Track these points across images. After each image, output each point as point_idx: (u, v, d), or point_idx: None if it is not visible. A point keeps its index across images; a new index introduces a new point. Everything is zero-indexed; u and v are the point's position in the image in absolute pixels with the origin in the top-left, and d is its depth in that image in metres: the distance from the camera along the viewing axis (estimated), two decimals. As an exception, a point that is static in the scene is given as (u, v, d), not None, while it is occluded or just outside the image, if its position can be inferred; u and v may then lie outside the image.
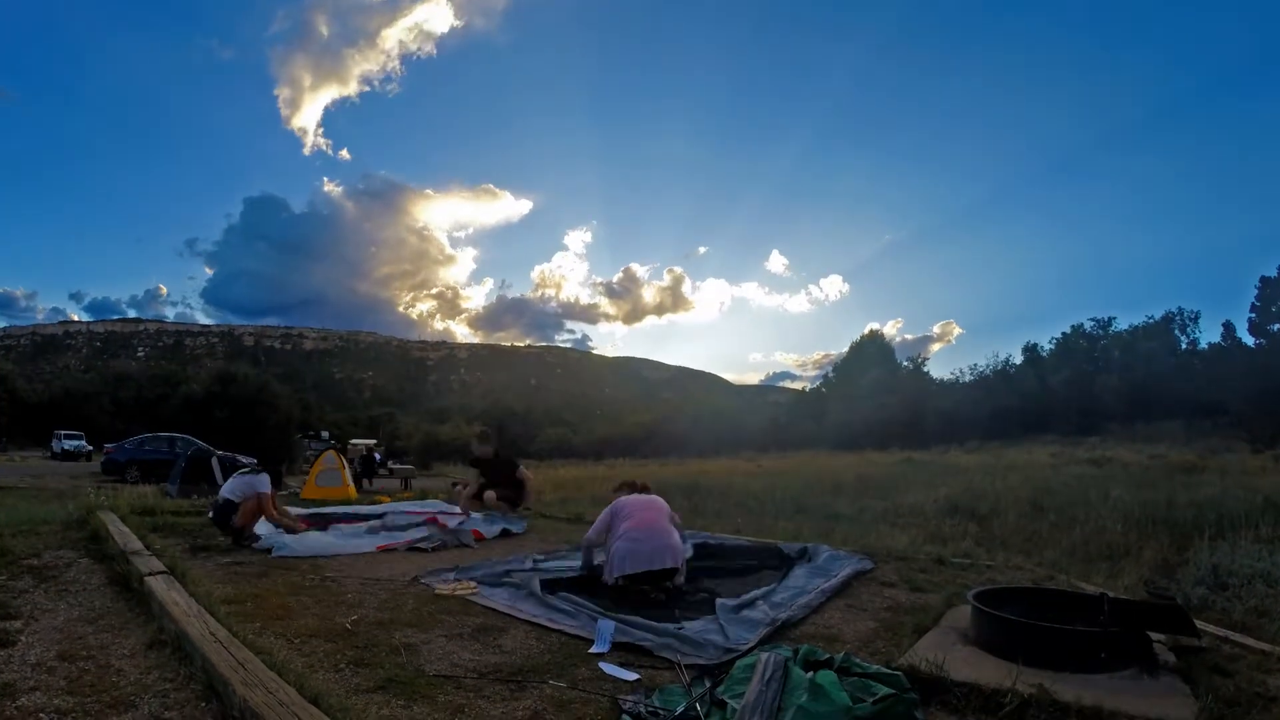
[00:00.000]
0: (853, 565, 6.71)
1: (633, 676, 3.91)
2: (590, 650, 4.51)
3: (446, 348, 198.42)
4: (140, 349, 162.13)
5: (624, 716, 3.33)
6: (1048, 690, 3.40)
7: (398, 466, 36.64)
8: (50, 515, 8.67)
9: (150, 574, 5.22)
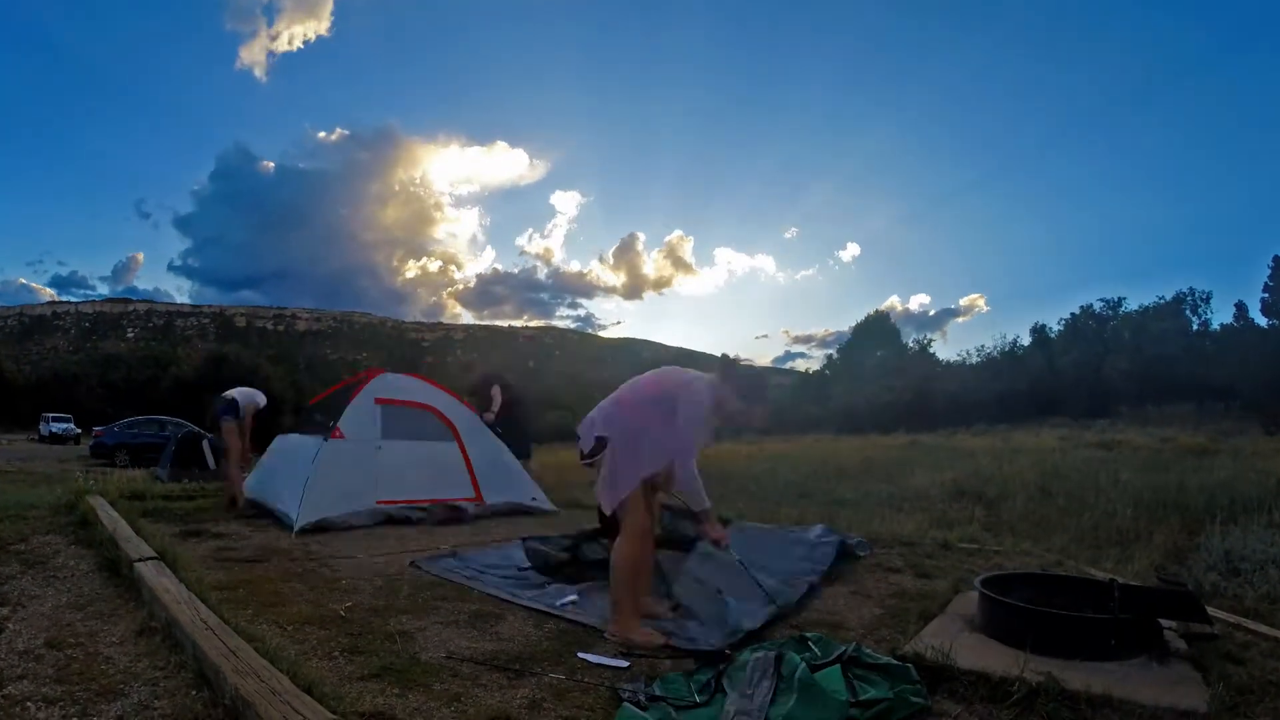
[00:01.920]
0: (835, 544, 6.63)
1: (623, 664, 3.92)
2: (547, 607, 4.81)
3: (443, 328, 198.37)
4: (130, 330, 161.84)
5: (624, 705, 3.33)
6: (1056, 678, 3.40)
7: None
8: (38, 500, 8.65)
9: (140, 560, 5.21)
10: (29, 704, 3.14)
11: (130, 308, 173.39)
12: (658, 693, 3.46)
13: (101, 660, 3.68)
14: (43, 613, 4.46)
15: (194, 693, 3.30)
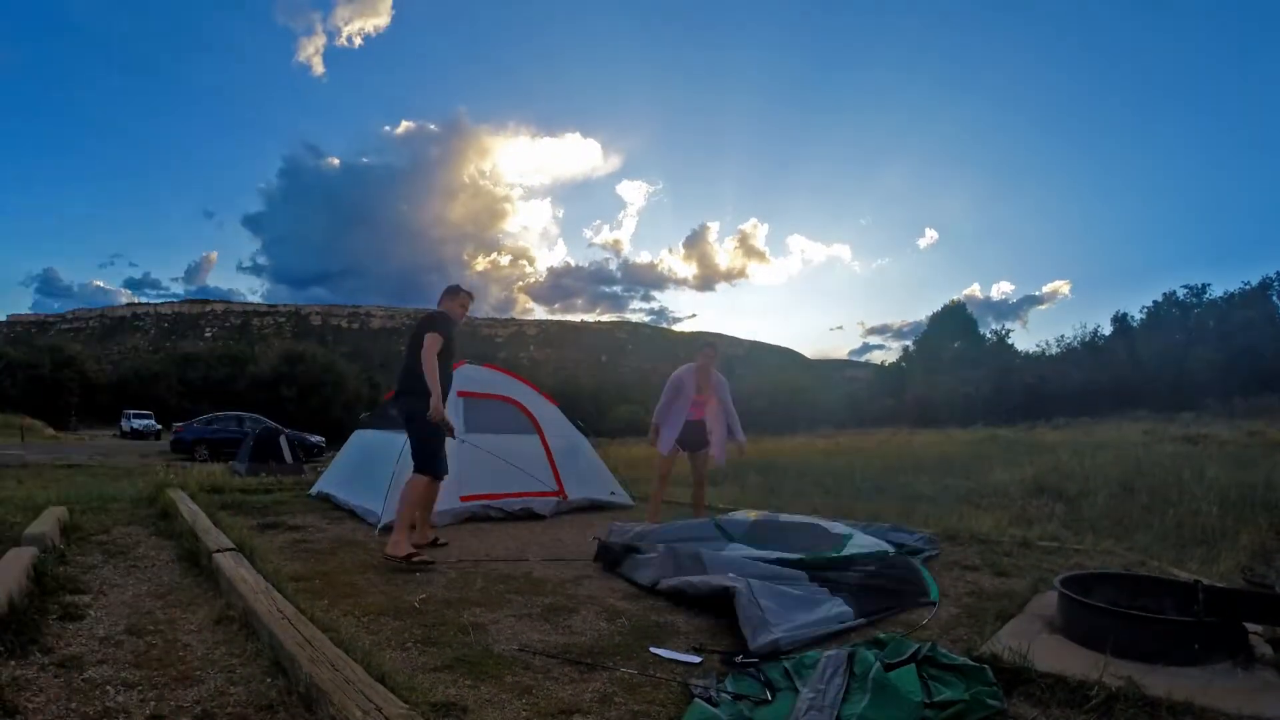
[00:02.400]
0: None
1: (695, 660, 3.90)
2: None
3: (515, 324, 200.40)
4: (208, 329, 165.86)
5: (695, 701, 3.32)
6: (1136, 683, 3.31)
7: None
8: (119, 493, 8.89)
9: (218, 550, 5.32)
10: (108, 687, 3.22)
11: (208, 308, 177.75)
12: (730, 689, 3.44)
13: (180, 647, 3.76)
14: (123, 601, 4.57)
15: (269, 680, 3.35)
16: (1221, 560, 6.99)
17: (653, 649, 4.03)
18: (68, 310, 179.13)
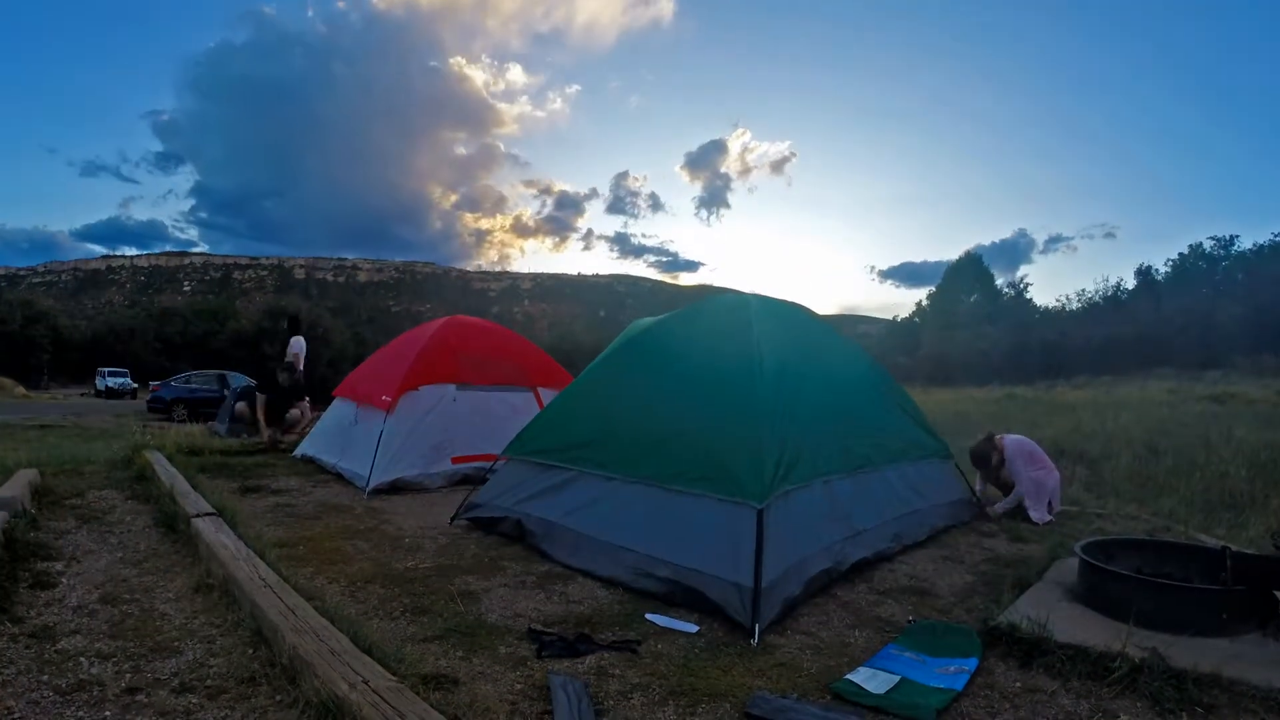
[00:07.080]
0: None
1: (692, 629, 3.91)
2: None
3: (509, 277, 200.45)
4: (186, 283, 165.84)
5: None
6: (1161, 655, 3.31)
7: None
8: (94, 454, 8.87)
9: (197, 515, 5.31)
10: (82, 659, 3.22)
11: (186, 260, 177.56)
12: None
13: (157, 616, 3.76)
14: (98, 568, 4.57)
15: (250, 651, 3.36)
16: (1250, 526, 6.99)
17: (650, 617, 4.04)
18: (40, 264, 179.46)
